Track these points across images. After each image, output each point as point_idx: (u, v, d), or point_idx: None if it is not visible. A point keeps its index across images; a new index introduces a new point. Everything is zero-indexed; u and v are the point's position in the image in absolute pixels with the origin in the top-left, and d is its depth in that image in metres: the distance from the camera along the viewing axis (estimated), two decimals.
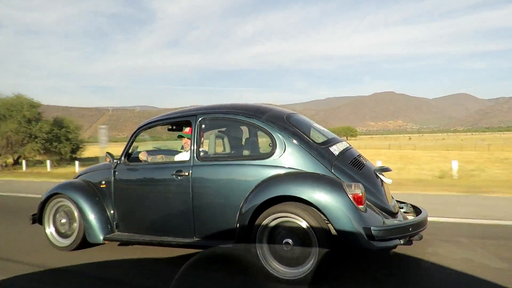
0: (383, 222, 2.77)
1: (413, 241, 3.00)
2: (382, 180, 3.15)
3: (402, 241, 2.78)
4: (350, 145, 3.46)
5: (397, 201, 3.69)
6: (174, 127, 3.93)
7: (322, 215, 2.66)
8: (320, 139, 3.23)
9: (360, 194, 2.66)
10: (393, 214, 3.02)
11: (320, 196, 2.67)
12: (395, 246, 2.76)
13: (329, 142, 3.20)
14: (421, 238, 3.12)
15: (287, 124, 3.12)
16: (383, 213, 2.93)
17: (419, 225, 2.92)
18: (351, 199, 2.64)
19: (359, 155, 3.31)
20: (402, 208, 3.54)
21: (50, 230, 3.84)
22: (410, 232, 2.78)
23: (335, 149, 3.11)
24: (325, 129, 3.61)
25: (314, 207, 2.67)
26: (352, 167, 3.02)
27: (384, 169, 3.23)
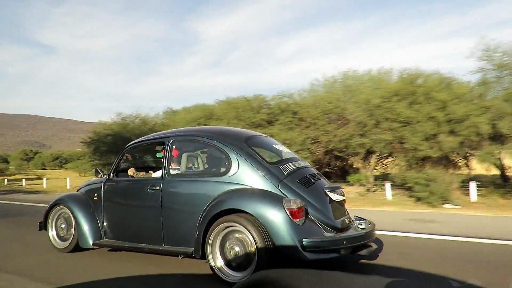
0: (323, 235, 3.08)
1: (367, 255, 3.28)
2: (330, 198, 3.44)
3: (341, 253, 3.06)
4: (306, 165, 3.79)
5: (357, 217, 3.95)
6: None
7: (263, 226, 3.02)
8: (275, 159, 3.61)
9: (296, 209, 3.00)
10: (340, 229, 3.30)
11: (261, 210, 3.04)
12: (333, 257, 3.04)
13: (283, 162, 3.57)
14: (370, 252, 3.38)
15: (243, 146, 3.52)
16: (327, 227, 3.22)
17: (356, 239, 3.19)
18: (288, 213, 2.98)
19: (312, 174, 3.62)
20: (361, 224, 3.78)
21: (52, 233, 4.44)
22: (344, 245, 3.05)
23: (286, 168, 3.46)
24: (286, 150, 3.98)
25: (256, 219, 3.04)
26: (300, 184, 3.36)
27: (334, 188, 3.53)
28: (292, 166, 3.56)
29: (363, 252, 3.32)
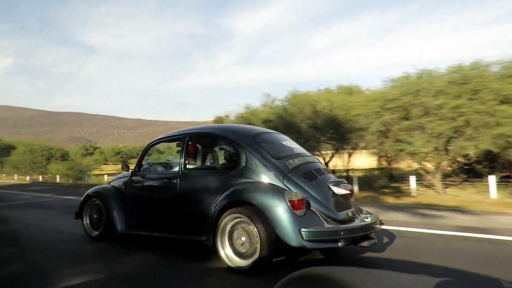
0: (322, 226, 3.27)
1: (368, 246, 3.43)
2: (333, 192, 3.60)
3: (340, 244, 3.24)
4: (313, 160, 3.97)
5: (365, 211, 4.09)
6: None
7: (267, 217, 3.25)
8: (282, 154, 3.82)
9: (296, 201, 3.21)
10: (342, 221, 3.46)
11: (265, 202, 3.28)
12: (332, 247, 3.24)
13: (289, 157, 3.77)
14: (372, 245, 3.52)
15: (252, 142, 3.77)
16: (328, 219, 3.40)
17: (355, 231, 3.34)
18: (289, 205, 3.20)
19: (317, 169, 3.79)
20: (367, 218, 3.90)
21: (86, 222, 4.94)
22: (342, 236, 3.22)
23: (291, 163, 3.67)
24: (295, 145, 4.17)
25: (261, 211, 3.28)
26: (303, 178, 3.56)
27: (338, 182, 3.70)
28: (297, 161, 3.76)
29: (364, 243, 3.46)
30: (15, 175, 30.72)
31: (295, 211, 3.20)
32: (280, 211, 3.20)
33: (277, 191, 3.33)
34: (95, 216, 4.86)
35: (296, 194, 3.28)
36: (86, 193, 5.03)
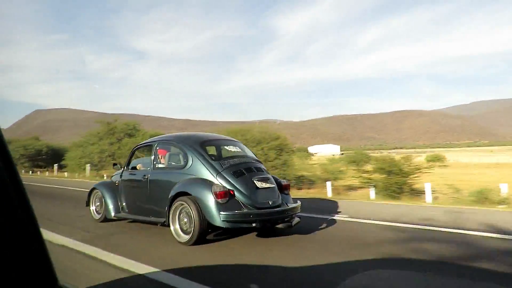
0: (240, 211, 4.35)
1: (283, 228, 4.49)
2: (256, 186, 4.65)
3: (255, 224, 4.30)
4: (248, 161, 5.02)
5: (294, 199, 5.11)
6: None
7: (199, 204, 4.39)
8: (221, 156, 4.96)
9: (219, 192, 4.32)
10: (260, 208, 4.49)
11: (198, 193, 4.43)
12: (246, 227, 4.33)
13: (226, 159, 4.90)
14: (287, 227, 4.55)
15: (198, 147, 4.92)
16: (249, 206, 4.46)
17: (268, 215, 4.40)
18: (213, 195, 4.32)
19: (248, 168, 4.82)
20: (290, 206, 4.86)
21: (92, 208, 6.36)
22: (252, 218, 4.29)
23: (226, 164, 4.77)
24: (240, 150, 5.30)
25: (196, 199, 4.43)
26: (232, 175, 4.64)
27: (262, 178, 4.74)
28: (232, 162, 4.85)
29: (280, 226, 4.52)
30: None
31: (218, 199, 4.32)
32: (207, 199, 4.34)
33: (207, 185, 4.46)
34: (98, 204, 6.27)
35: (219, 186, 4.40)
36: (92, 186, 6.47)
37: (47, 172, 29.30)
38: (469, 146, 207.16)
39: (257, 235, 4.92)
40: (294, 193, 8.49)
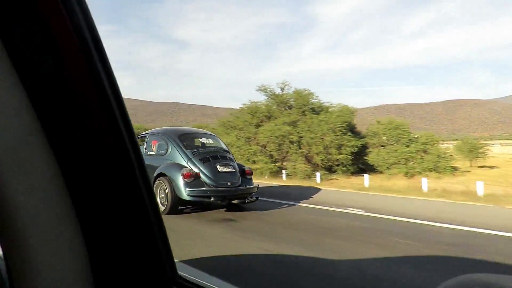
0: (201, 189, 5.59)
1: (238, 203, 5.68)
2: (218, 170, 5.86)
3: (212, 199, 5.54)
4: (216, 151, 6.24)
5: (255, 183, 6.27)
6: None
7: (172, 183, 5.69)
8: (193, 146, 6.22)
9: (185, 173, 5.59)
10: (219, 187, 5.71)
11: (172, 174, 5.74)
12: (206, 202, 5.58)
13: (197, 148, 6.15)
14: (241, 203, 5.75)
15: (176, 139, 6.21)
16: (211, 186, 5.70)
17: (225, 192, 5.62)
18: (182, 175, 5.60)
19: (214, 156, 6.06)
20: (246, 187, 6.05)
21: None
22: (209, 194, 5.51)
23: (196, 152, 6.02)
24: (212, 142, 6.52)
25: (170, 179, 5.73)
26: (200, 161, 5.89)
27: (223, 164, 5.94)
28: (201, 150, 6.10)
29: (234, 201, 5.73)
30: None
31: (185, 179, 5.59)
32: (178, 179, 5.63)
33: (179, 168, 5.75)
34: None
35: (187, 169, 5.67)
36: None
37: None
38: None
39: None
40: None
